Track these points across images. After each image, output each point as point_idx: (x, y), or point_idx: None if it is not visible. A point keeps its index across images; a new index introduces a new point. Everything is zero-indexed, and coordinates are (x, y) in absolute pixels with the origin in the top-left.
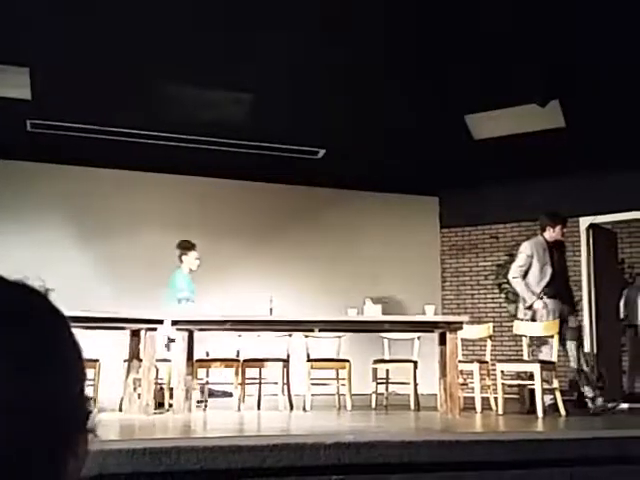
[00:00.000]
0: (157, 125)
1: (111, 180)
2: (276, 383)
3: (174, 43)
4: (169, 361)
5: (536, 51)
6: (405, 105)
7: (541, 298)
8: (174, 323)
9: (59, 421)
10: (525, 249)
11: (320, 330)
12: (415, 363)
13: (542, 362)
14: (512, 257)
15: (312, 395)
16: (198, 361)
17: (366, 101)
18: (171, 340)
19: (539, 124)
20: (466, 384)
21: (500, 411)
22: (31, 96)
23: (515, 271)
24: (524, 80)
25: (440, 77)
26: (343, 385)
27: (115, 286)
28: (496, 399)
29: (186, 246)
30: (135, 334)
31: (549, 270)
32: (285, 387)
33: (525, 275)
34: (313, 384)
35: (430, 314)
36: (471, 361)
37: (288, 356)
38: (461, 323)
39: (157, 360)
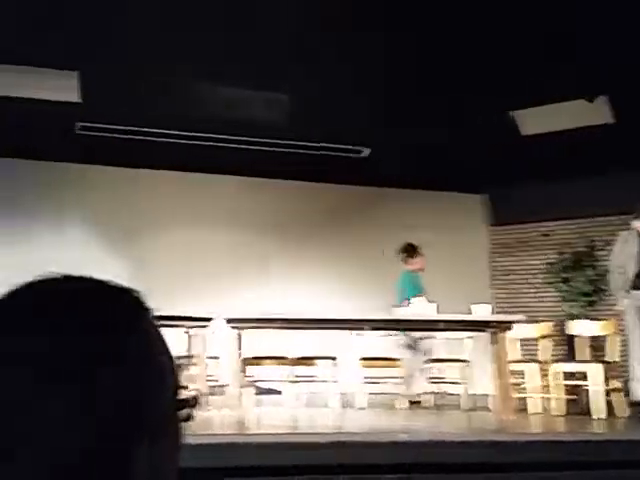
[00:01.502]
0: (199, 126)
1: (151, 180)
2: (326, 381)
3: (211, 44)
4: (219, 358)
5: (585, 46)
6: (451, 101)
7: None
8: (228, 321)
9: (158, 414)
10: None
11: (372, 329)
12: (467, 362)
13: (602, 362)
14: (563, 255)
15: (364, 394)
16: (248, 359)
17: (410, 97)
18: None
19: (588, 120)
20: (519, 384)
21: (556, 412)
22: (80, 99)
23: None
24: (572, 76)
25: (486, 72)
26: (395, 384)
27: (151, 286)
28: (551, 400)
29: (410, 249)
30: (187, 332)
31: None
32: (335, 385)
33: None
34: (365, 383)
35: (482, 313)
36: (527, 361)
37: (338, 354)
38: (511, 323)
39: (208, 357)
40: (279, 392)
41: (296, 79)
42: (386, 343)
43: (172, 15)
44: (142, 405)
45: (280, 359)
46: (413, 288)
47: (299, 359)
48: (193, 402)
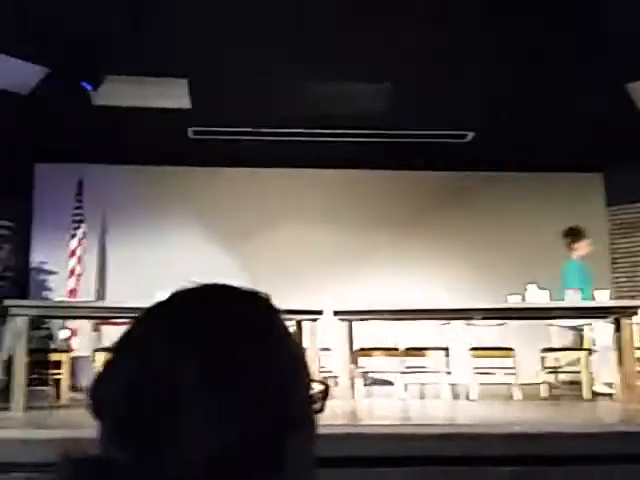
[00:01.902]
0: (302, 122)
1: (259, 179)
2: (438, 372)
3: (312, 40)
4: (330, 350)
5: None
6: (560, 77)
7: None
8: (336, 313)
9: (300, 407)
10: None
11: (482, 318)
12: (588, 351)
13: None
14: None
15: (476, 385)
16: (359, 350)
17: (514, 76)
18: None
19: None
20: None
21: None
22: (191, 105)
23: None
24: None
25: (599, 43)
26: (508, 374)
27: (262, 281)
28: None
29: (576, 233)
30: (298, 325)
31: None
32: (447, 376)
33: None
34: (477, 373)
35: (602, 299)
36: None
37: (449, 345)
38: (636, 308)
39: (320, 349)
40: (390, 383)
41: (397, 67)
42: (499, 333)
43: (274, 17)
44: (287, 398)
45: (391, 350)
46: (578, 278)
47: (410, 350)
48: (324, 393)
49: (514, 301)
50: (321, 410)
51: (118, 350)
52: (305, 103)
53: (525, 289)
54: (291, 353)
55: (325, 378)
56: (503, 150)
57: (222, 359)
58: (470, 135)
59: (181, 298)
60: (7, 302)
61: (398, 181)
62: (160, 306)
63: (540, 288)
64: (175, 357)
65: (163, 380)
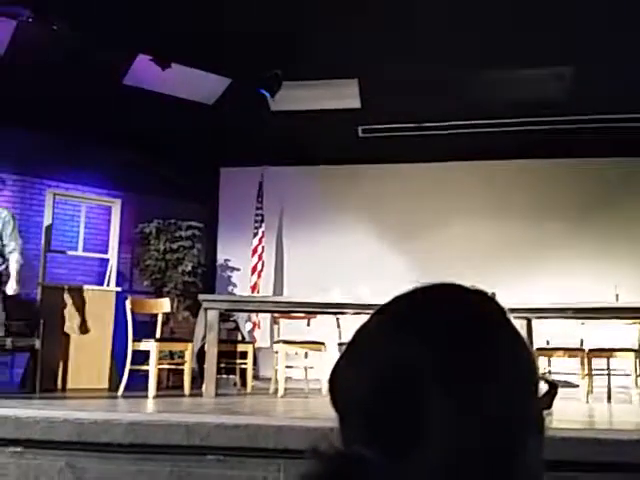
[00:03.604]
0: (472, 113)
1: (428, 174)
2: (628, 375)
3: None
4: None
5: None
6: None
7: None
8: (512, 311)
9: (536, 409)
10: None
11: None
12: None
13: None
14: None
15: None
16: (539, 350)
17: None
18: None
19: None
20: None
21: None
22: (360, 104)
23: None
24: None
25: None
26: None
27: (433, 278)
28: None
29: None
30: None
31: None
32: (638, 379)
33: None
34: None
35: None
36: None
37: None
38: None
39: None
40: (576, 385)
41: (576, 51)
42: None
43: (436, 10)
44: (527, 400)
45: (575, 350)
46: None
47: (595, 351)
48: (552, 392)
49: None
50: (548, 408)
51: (357, 346)
52: (477, 92)
53: None
54: (527, 352)
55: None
56: None
57: (465, 359)
58: None
59: (418, 297)
60: (201, 297)
61: (579, 170)
62: (396, 303)
63: None
64: (418, 357)
65: (412, 379)
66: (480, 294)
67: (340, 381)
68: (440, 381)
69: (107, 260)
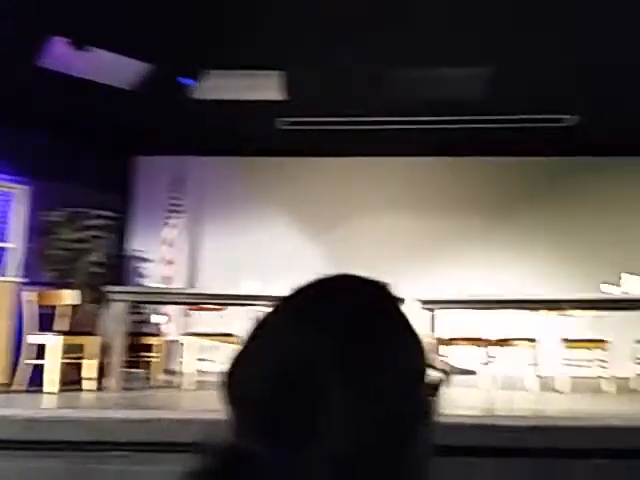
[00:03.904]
0: (397, 110)
1: (351, 167)
2: (524, 363)
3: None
4: None
5: None
6: None
7: None
8: (423, 302)
9: (426, 398)
10: None
11: (573, 308)
12: None
13: None
14: None
15: (567, 377)
16: (442, 339)
17: (620, 52)
18: None
19: None
20: None
21: None
22: (284, 96)
23: None
24: None
25: None
26: (601, 367)
27: (350, 270)
28: None
29: None
30: None
31: None
32: (534, 367)
33: None
34: (567, 365)
35: None
36: None
37: (536, 335)
38: None
39: None
40: (474, 372)
41: (495, 51)
42: (592, 324)
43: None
44: (418, 391)
45: (476, 340)
46: None
47: (495, 340)
48: (443, 380)
49: (607, 290)
50: (438, 395)
51: (257, 339)
52: (401, 90)
53: (620, 278)
54: (417, 342)
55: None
56: (603, 134)
57: (361, 352)
58: (567, 119)
59: (316, 289)
60: (107, 288)
61: (494, 168)
62: (293, 298)
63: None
64: (315, 352)
65: (307, 373)
66: (375, 285)
67: (236, 374)
68: (337, 370)
69: (6, 249)
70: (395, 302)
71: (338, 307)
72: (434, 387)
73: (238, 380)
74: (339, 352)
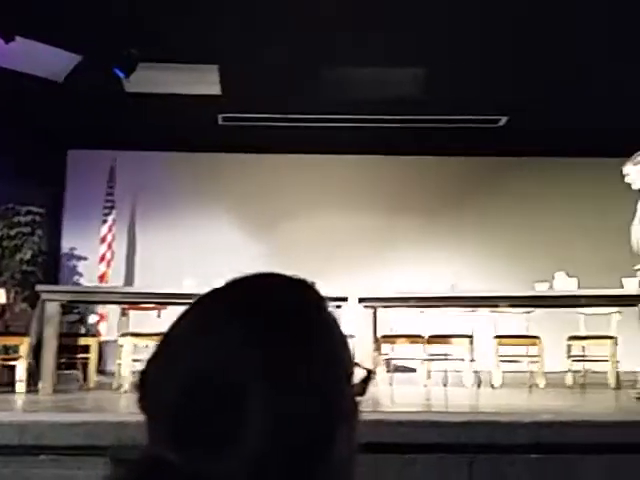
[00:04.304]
0: (333, 108)
1: (289, 165)
2: (462, 360)
3: (348, 26)
4: (353, 337)
5: None
6: (597, 61)
7: None
8: (360, 300)
9: (350, 399)
10: None
11: (508, 306)
12: (614, 339)
13: None
14: None
15: (500, 372)
16: (383, 337)
17: (548, 59)
18: None
19: None
20: None
21: None
22: (221, 91)
23: None
24: None
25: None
26: (534, 362)
27: (289, 268)
28: None
29: None
30: None
31: None
32: (471, 364)
33: None
34: (502, 361)
35: (630, 287)
36: None
37: (473, 332)
38: None
39: None
40: (414, 370)
41: (430, 53)
42: (525, 320)
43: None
44: (342, 391)
45: (415, 337)
46: None
47: (434, 337)
48: (368, 378)
49: (541, 289)
50: (363, 394)
51: (170, 344)
52: (338, 89)
53: (553, 277)
54: (341, 341)
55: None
56: (535, 135)
57: (280, 355)
58: (503, 120)
59: (232, 289)
60: (39, 287)
61: (428, 167)
62: (211, 298)
63: (569, 275)
64: (234, 354)
65: (222, 379)
66: (299, 283)
67: (150, 379)
68: (256, 373)
69: None
70: (321, 301)
71: (257, 307)
72: (360, 386)
73: (151, 382)
74: (258, 355)
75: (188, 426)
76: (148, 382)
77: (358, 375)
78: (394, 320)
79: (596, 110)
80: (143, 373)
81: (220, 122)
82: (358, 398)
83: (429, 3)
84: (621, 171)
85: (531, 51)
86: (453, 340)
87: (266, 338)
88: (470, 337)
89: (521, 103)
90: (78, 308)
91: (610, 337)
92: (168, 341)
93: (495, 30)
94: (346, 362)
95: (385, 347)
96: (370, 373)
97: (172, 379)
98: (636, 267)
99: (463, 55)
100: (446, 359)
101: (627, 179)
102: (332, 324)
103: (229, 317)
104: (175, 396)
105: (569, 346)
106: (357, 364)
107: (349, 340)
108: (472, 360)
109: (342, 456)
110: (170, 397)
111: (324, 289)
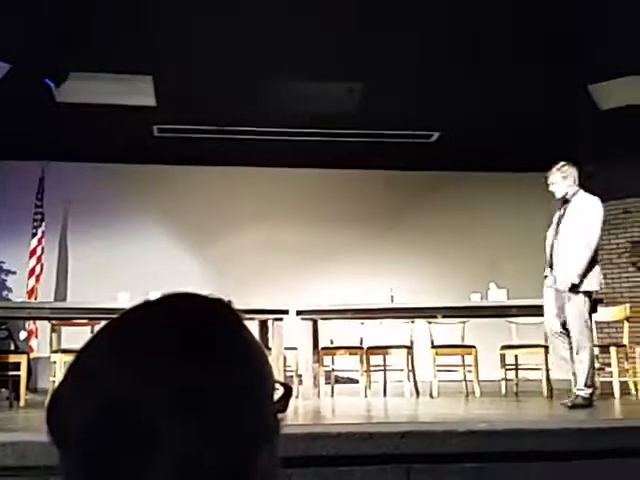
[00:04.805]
0: (270, 121)
1: (226, 178)
2: (401, 370)
3: (284, 41)
4: (296, 349)
5: None
6: (525, 79)
7: None
8: (298, 313)
9: (271, 418)
10: None
11: (443, 316)
12: (546, 348)
13: None
14: None
15: (438, 382)
16: (323, 349)
17: (481, 76)
18: None
19: None
20: (603, 368)
21: None
22: (156, 102)
23: None
24: None
25: (564, 46)
26: (469, 372)
27: (228, 280)
28: (635, 383)
29: None
30: (263, 324)
31: None
32: (410, 374)
33: None
34: (439, 371)
35: None
36: (607, 345)
37: (412, 343)
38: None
39: (285, 348)
40: (355, 381)
41: (366, 69)
42: (461, 331)
43: (243, 15)
44: (261, 413)
45: (355, 349)
46: None
47: (373, 348)
48: (287, 394)
49: (475, 300)
50: (284, 410)
51: (78, 373)
52: (274, 102)
53: (488, 288)
54: (260, 362)
55: (289, 377)
56: (468, 150)
57: (196, 388)
58: (436, 135)
59: (145, 314)
60: None
61: (365, 181)
62: (121, 322)
63: (499, 287)
64: (145, 389)
65: (133, 410)
66: (215, 302)
67: (59, 408)
68: (171, 409)
69: None
70: (235, 318)
71: (173, 336)
72: (280, 403)
73: (59, 414)
74: (172, 389)
75: (95, 465)
76: (56, 414)
77: (277, 392)
78: (335, 332)
79: (527, 128)
80: (51, 400)
81: (156, 133)
82: (279, 415)
83: (366, 20)
84: (546, 179)
85: (464, 68)
86: (392, 351)
87: (181, 370)
88: (409, 347)
89: (453, 119)
90: (6, 324)
91: (542, 346)
92: (77, 368)
93: (431, 47)
94: (266, 380)
95: (326, 359)
96: (288, 389)
97: (78, 409)
98: (545, 273)
99: (398, 71)
100: (385, 370)
101: (551, 187)
102: (250, 341)
103: (140, 348)
104: (81, 434)
105: (502, 355)
106: (277, 381)
107: (268, 359)
108: (410, 370)
109: (265, 471)
110: (77, 435)
111: (263, 302)
